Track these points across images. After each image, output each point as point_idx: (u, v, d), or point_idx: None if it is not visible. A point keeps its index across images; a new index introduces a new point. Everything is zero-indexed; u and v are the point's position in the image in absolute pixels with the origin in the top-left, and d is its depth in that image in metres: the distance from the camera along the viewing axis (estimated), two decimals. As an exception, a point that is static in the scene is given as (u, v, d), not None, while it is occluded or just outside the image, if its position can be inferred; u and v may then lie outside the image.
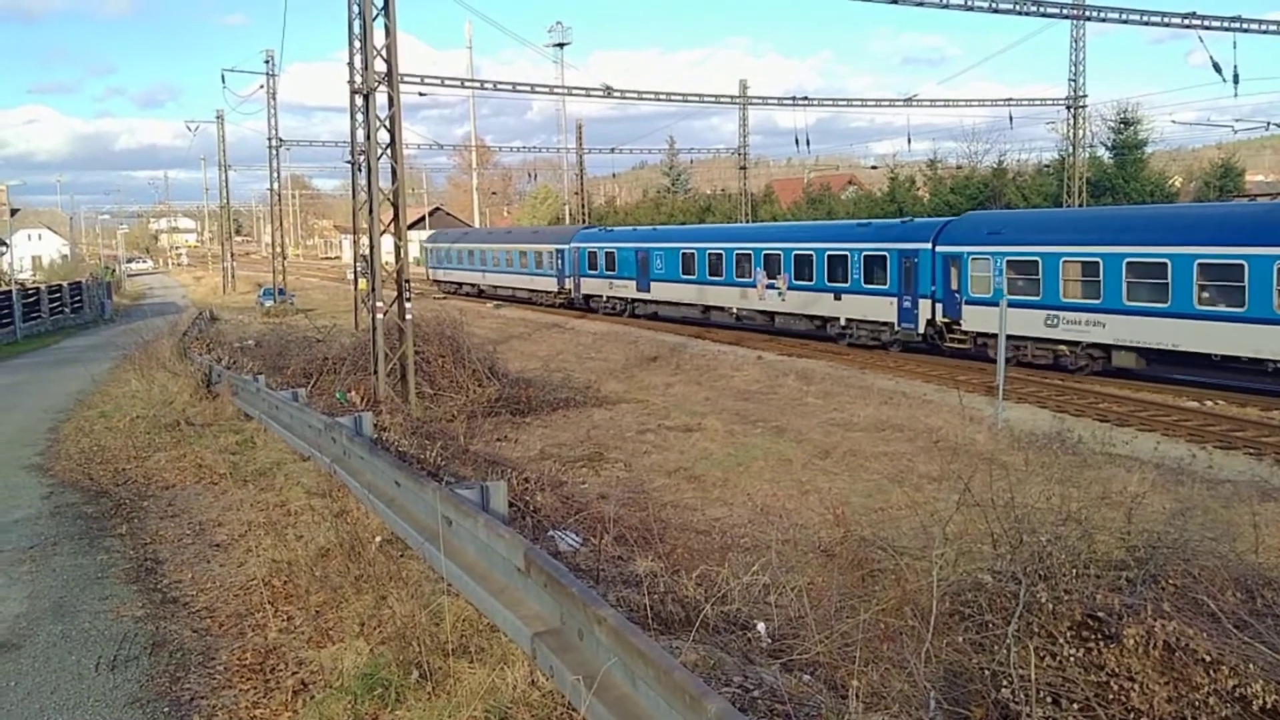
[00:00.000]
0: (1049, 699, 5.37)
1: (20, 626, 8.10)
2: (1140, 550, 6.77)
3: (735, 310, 33.86)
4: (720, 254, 34.27)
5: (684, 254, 36.20)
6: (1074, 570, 6.27)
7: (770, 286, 31.89)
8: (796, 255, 30.70)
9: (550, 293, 45.62)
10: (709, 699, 4.11)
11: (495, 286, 51.59)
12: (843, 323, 29.23)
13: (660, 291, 37.96)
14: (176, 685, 6.87)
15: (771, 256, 31.97)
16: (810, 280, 30.09)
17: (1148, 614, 5.51)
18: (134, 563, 9.73)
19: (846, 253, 29.04)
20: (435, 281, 59.22)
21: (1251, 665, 5.20)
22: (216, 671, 7.08)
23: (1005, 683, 5.44)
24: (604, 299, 41.72)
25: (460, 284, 56.04)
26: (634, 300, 39.88)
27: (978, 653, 5.94)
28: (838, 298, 29.19)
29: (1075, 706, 5.30)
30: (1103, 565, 6.53)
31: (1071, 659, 5.51)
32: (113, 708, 6.55)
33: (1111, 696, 5.31)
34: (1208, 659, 5.24)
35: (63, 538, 10.72)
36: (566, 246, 43.99)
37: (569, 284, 43.88)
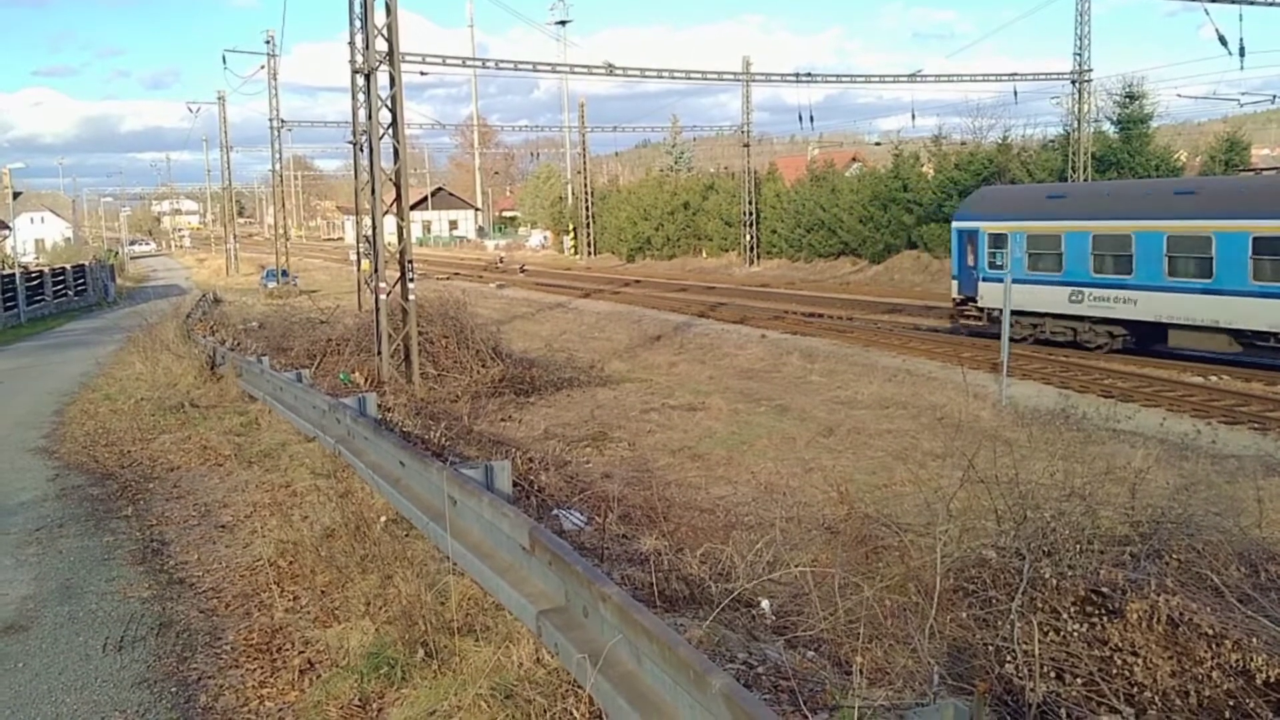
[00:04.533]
0: (1053, 674, 5.39)
1: (28, 608, 8.14)
2: (1144, 525, 6.77)
3: None
4: None
5: None
6: (1078, 546, 6.28)
7: None
8: None
9: None
10: (713, 675, 4.12)
11: None
12: None
13: None
14: (183, 665, 6.90)
15: None
16: None
17: (1151, 589, 5.52)
18: (140, 544, 9.75)
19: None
20: (994, 314, 24.01)
21: (1255, 639, 5.20)
22: (223, 651, 7.11)
23: (1009, 658, 5.46)
24: None
25: (1183, 327, 20.92)
26: None
27: (982, 628, 5.95)
28: None
29: (1079, 681, 5.31)
30: (1106, 541, 6.54)
31: (1075, 634, 5.52)
32: (120, 688, 6.58)
33: (1115, 671, 5.32)
34: (1211, 633, 5.24)
35: (69, 519, 10.75)
36: None
37: None
